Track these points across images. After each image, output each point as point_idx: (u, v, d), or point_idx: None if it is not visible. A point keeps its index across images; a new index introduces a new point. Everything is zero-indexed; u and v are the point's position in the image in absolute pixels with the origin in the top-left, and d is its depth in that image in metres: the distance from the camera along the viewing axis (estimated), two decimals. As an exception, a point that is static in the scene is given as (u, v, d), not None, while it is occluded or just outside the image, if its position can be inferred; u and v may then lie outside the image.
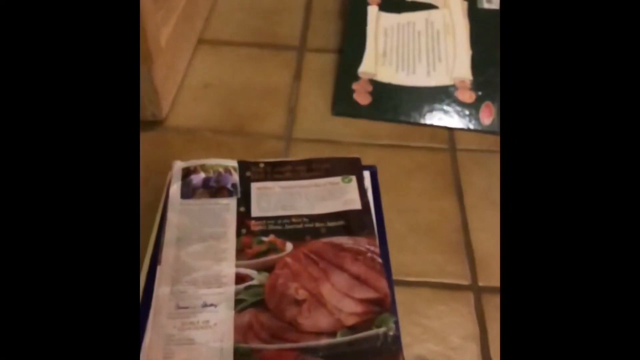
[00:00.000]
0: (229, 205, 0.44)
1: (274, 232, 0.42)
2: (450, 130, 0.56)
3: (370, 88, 0.58)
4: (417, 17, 0.63)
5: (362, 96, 0.58)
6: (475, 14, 0.63)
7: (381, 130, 0.55)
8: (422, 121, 0.56)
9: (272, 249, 0.41)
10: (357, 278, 0.40)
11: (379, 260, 0.41)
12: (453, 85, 0.58)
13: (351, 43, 0.61)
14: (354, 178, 0.46)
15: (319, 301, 0.38)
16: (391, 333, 0.37)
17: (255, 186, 0.45)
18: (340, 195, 0.45)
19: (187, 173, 0.45)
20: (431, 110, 0.57)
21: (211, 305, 0.38)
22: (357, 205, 0.44)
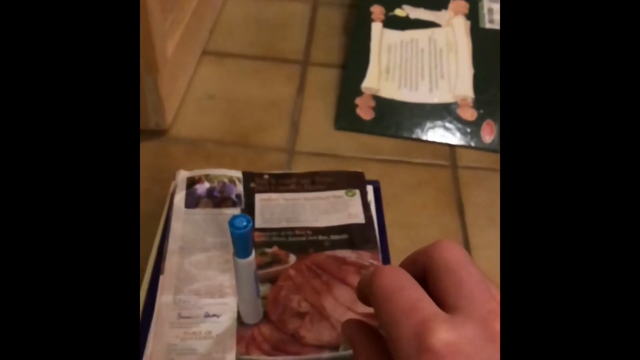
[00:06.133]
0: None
1: (278, 243, 0.42)
2: (452, 147, 0.56)
3: (373, 103, 0.59)
4: (420, 35, 0.64)
5: (365, 111, 0.58)
6: (477, 33, 0.64)
7: (383, 145, 0.56)
8: (424, 137, 0.57)
9: (275, 260, 0.41)
10: (359, 292, 0.40)
11: (382, 274, 0.41)
12: (455, 103, 0.59)
13: (355, 58, 0.62)
14: (357, 192, 0.46)
15: (322, 314, 0.38)
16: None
17: (259, 197, 0.45)
18: (343, 208, 0.45)
19: (191, 182, 0.45)
20: (433, 127, 0.57)
21: (214, 315, 0.38)
22: (360, 219, 0.44)
